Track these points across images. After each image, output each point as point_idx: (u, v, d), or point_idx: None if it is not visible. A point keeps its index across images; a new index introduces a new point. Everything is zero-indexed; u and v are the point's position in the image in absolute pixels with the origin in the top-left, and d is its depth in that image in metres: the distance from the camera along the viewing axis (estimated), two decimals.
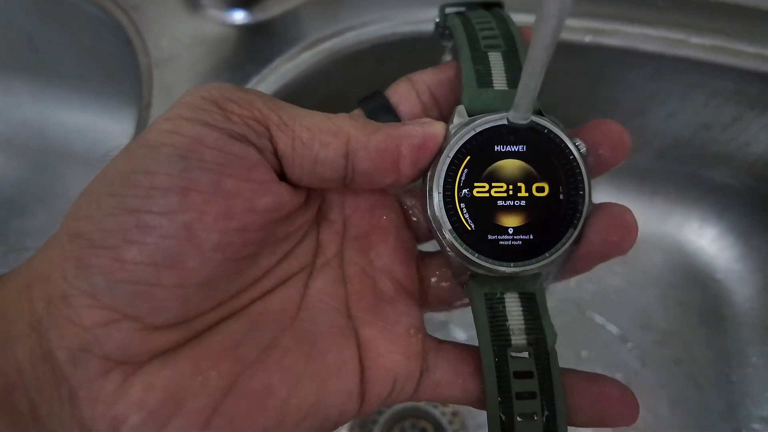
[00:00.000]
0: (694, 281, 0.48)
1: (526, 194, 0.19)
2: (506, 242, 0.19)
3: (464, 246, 0.19)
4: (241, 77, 0.35)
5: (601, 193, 0.50)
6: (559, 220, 0.19)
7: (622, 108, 0.43)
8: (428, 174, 0.19)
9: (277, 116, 0.18)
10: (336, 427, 0.19)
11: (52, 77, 0.48)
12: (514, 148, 0.19)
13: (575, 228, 0.19)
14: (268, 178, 0.17)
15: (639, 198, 0.49)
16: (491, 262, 0.19)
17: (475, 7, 0.22)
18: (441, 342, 0.21)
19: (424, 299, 0.22)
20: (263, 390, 0.17)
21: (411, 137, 0.18)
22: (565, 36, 0.37)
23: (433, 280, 0.22)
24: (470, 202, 0.19)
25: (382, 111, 0.21)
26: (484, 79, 0.20)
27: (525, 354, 0.18)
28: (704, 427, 0.43)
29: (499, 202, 0.19)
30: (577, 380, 0.19)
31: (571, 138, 0.19)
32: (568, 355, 0.46)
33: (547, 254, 0.19)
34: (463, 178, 0.19)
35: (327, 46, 0.36)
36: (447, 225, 0.19)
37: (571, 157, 0.19)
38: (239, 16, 0.37)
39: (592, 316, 0.47)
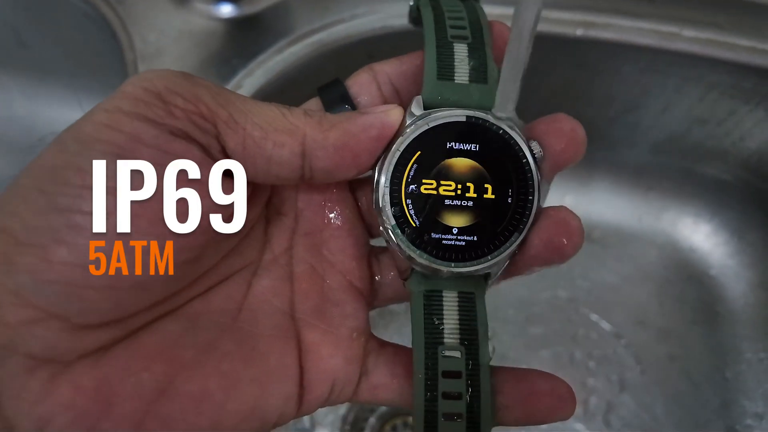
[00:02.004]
0: (688, 277, 0.47)
1: (474, 195, 0.18)
2: (449, 242, 0.18)
3: (406, 242, 0.18)
4: (228, 71, 0.35)
5: (595, 189, 0.50)
6: (505, 223, 0.18)
7: (617, 102, 0.43)
8: (378, 166, 0.19)
9: (226, 113, 0.17)
10: (274, 428, 0.18)
11: (41, 73, 0.48)
12: (467, 147, 0.18)
13: (520, 233, 0.18)
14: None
15: (634, 193, 0.49)
16: (432, 261, 0.18)
17: None
18: (383, 344, 0.21)
19: (375, 296, 0.22)
20: (199, 393, 0.17)
21: (368, 130, 0.18)
22: (557, 29, 0.37)
23: (386, 276, 0.22)
24: (417, 198, 0.18)
25: (341, 101, 0.20)
26: (445, 71, 0.19)
27: (456, 353, 0.18)
28: (699, 424, 0.43)
29: (446, 201, 0.18)
30: (507, 378, 0.19)
31: (527, 141, 0.19)
32: (562, 353, 0.45)
33: (489, 257, 0.18)
34: (411, 173, 0.18)
35: (315, 39, 0.36)
36: (391, 220, 0.19)
37: (524, 160, 0.18)
38: (227, 10, 0.37)
39: (586, 313, 0.47)
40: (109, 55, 0.38)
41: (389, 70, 0.21)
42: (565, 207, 0.18)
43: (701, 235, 0.48)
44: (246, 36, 0.36)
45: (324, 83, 0.20)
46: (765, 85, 0.37)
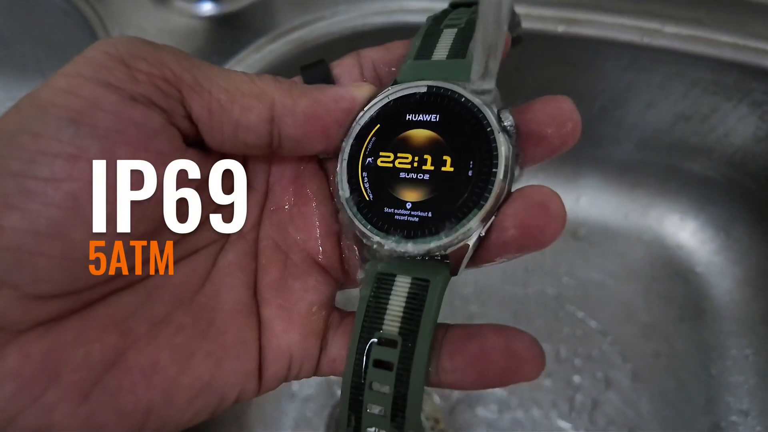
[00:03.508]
0: (674, 274, 0.47)
1: (432, 167, 0.17)
2: (402, 217, 0.17)
3: (358, 216, 0.18)
4: None
5: (580, 186, 0.50)
6: (464, 199, 0.17)
7: (600, 99, 0.42)
8: (343, 142, 0.18)
9: (191, 76, 0.16)
10: (234, 404, 0.18)
11: (24, 72, 0.48)
12: (427, 118, 0.17)
13: (479, 209, 0.16)
14: (170, 147, 0.16)
15: (620, 190, 0.49)
16: (381, 236, 0.17)
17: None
18: (345, 315, 0.20)
19: (347, 275, 0.21)
20: (150, 366, 0.16)
21: (340, 101, 0.17)
22: (538, 26, 0.36)
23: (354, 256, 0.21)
24: (373, 171, 0.18)
25: (320, 81, 0.19)
26: (424, 51, 0.19)
27: (393, 343, 0.17)
28: (684, 421, 0.43)
29: (402, 174, 0.17)
30: (456, 338, 0.17)
31: (499, 111, 0.17)
32: (547, 351, 0.45)
33: (442, 234, 0.17)
34: (370, 146, 0.18)
35: (296, 36, 0.36)
36: (346, 193, 0.18)
37: (488, 129, 0.17)
38: (207, 8, 0.37)
39: (572, 310, 0.47)
40: None
41: (374, 56, 0.20)
42: (546, 187, 0.16)
43: (687, 232, 0.48)
44: (226, 34, 0.36)
45: (308, 62, 0.20)
46: (747, 81, 0.37)
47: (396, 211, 0.17)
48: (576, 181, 0.49)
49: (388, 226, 0.17)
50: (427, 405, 0.43)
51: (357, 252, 0.19)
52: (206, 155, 0.17)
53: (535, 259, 0.48)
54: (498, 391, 0.44)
